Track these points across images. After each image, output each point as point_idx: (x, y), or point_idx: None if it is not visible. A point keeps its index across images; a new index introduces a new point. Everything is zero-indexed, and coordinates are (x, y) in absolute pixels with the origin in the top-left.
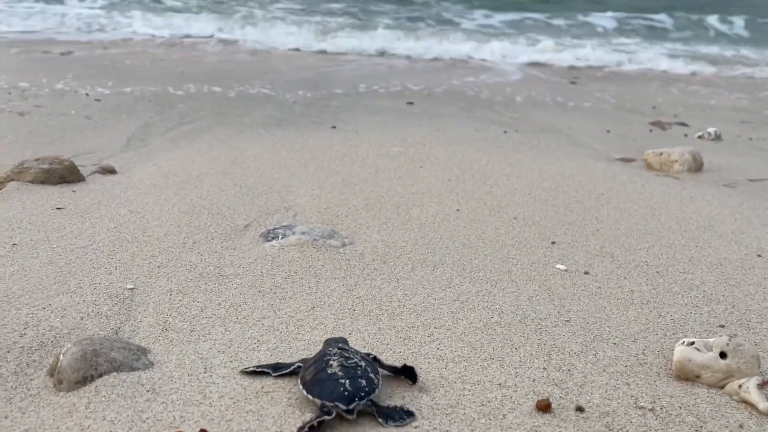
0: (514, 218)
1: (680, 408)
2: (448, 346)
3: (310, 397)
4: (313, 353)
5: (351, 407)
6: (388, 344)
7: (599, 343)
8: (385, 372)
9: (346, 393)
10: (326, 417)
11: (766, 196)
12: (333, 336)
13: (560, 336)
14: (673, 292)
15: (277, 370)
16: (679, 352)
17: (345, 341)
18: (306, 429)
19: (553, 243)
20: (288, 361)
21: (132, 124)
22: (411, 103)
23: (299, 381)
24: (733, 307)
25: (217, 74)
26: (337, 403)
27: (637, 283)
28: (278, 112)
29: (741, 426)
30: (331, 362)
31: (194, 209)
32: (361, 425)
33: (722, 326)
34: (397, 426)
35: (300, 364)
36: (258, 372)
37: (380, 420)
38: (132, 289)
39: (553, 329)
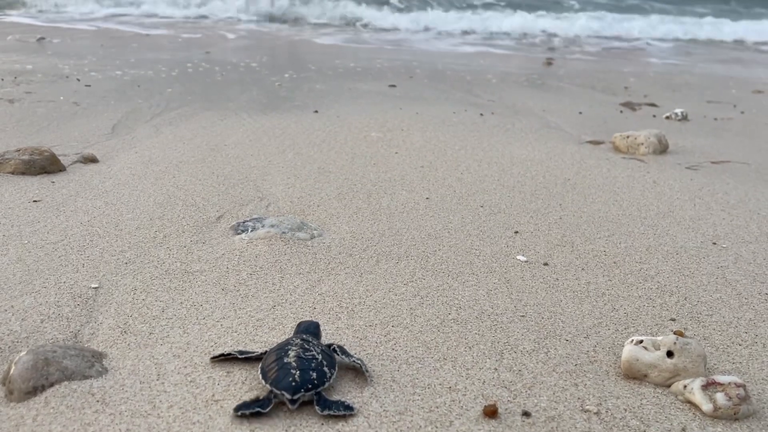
0: (481, 206)
1: (625, 410)
2: (404, 346)
3: (263, 382)
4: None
5: (295, 397)
6: (344, 344)
7: (552, 340)
8: (347, 362)
9: (293, 384)
10: (260, 410)
11: (726, 179)
12: (306, 320)
13: (514, 333)
14: (628, 284)
15: (243, 354)
16: (627, 351)
17: (317, 326)
18: (239, 413)
19: (516, 232)
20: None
21: (119, 110)
22: (393, 86)
23: (259, 366)
24: (685, 299)
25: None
26: (284, 392)
27: (594, 275)
28: (264, 96)
29: (684, 429)
30: (289, 352)
31: (169, 200)
32: (301, 413)
33: (673, 320)
34: (329, 414)
35: (266, 350)
36: (226, 358)
37: (317, 407)
38: (96, 288)
39: (508, 325)
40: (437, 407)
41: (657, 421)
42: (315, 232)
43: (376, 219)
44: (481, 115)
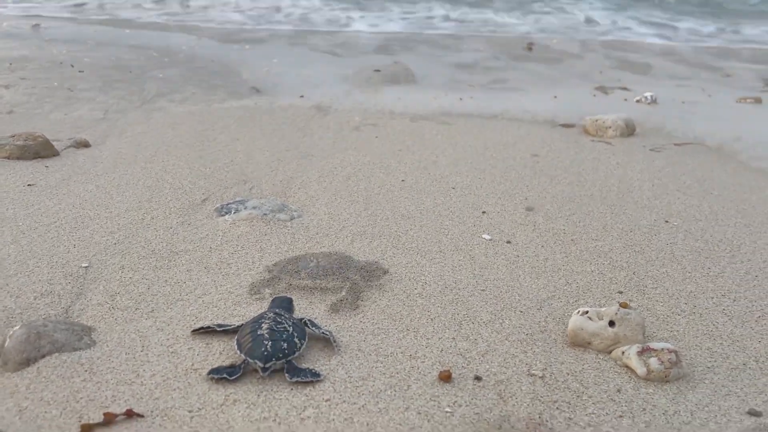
0: (453, 188)
1: (568, 374)
2: (371, 318)
3: (238, 352)
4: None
5: (267, 365)
6: (316, 317)
7: (508, 311)
8: (317, 333)
9: (265, 353)
10: (227, 376)
11: (687, 160)
12: (280, 296)
13: (474, 305)
14: (582, 260)
15: (221, 327)
16: (573, 321)
17: (290, 301)
18: (210, 376)
19: (484, 212)
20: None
21: (112, 95)
22: (377, 71)
23: (236, 338)
24: (634, 273)
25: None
26: (256, 361)
27: (552, 252)
28: (255, 81)
29: (619, 390)
30: (263, 325)
31: (158, 184)
32: (272, 380)
33: (620, 292)
34: (297, 381)
35: (242, 323)
36: (205, 330)
37: (286, 375)
38: (86, 267)
39: (468, 299)
40: (397, 373)
41: (596, 384)
42: (295, 213)
43: (354, 200)
44: (461, 99)
